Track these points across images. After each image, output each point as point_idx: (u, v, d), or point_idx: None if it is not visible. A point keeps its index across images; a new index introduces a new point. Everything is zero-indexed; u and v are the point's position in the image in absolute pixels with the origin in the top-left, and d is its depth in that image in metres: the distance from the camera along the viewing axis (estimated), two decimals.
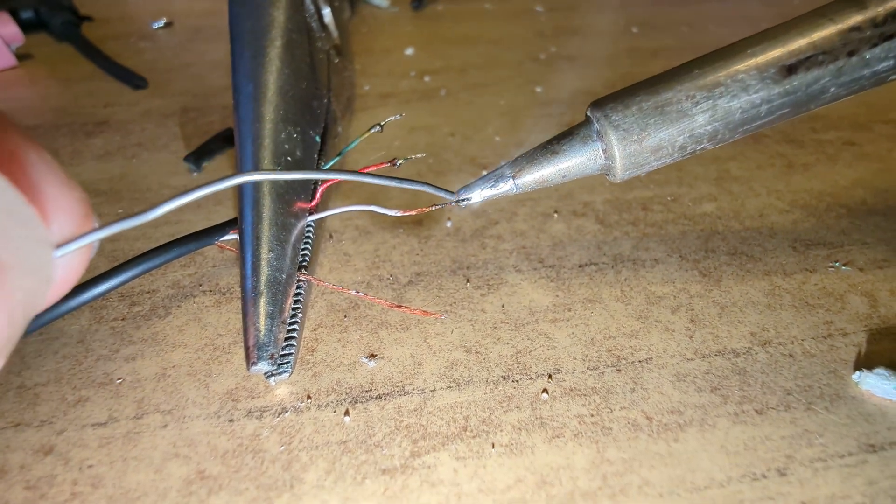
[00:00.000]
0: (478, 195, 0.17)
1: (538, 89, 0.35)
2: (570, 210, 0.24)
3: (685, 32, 0.44)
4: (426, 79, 0.36)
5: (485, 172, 0.17)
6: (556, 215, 0.24)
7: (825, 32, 0.15)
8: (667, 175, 0.27)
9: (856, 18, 0.15)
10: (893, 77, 0.16)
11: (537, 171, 0.17)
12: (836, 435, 0.15)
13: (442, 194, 0.17)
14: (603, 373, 0.17)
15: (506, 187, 0.17)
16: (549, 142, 0.17)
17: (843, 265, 0.21)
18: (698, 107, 0.16)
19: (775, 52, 0.15)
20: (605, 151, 0.16)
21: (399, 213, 0.18)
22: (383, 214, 0.19)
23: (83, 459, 0.15)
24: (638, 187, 0.26)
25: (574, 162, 0.17)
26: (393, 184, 0.15)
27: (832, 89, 0.16)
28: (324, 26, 0.29)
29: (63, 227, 0.09)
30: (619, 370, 0.17)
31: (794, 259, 0.21)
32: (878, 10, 0.15)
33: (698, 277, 0.21)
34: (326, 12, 0.29)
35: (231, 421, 0.16)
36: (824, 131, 0.30)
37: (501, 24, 0.46)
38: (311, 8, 0.27)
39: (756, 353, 0.18)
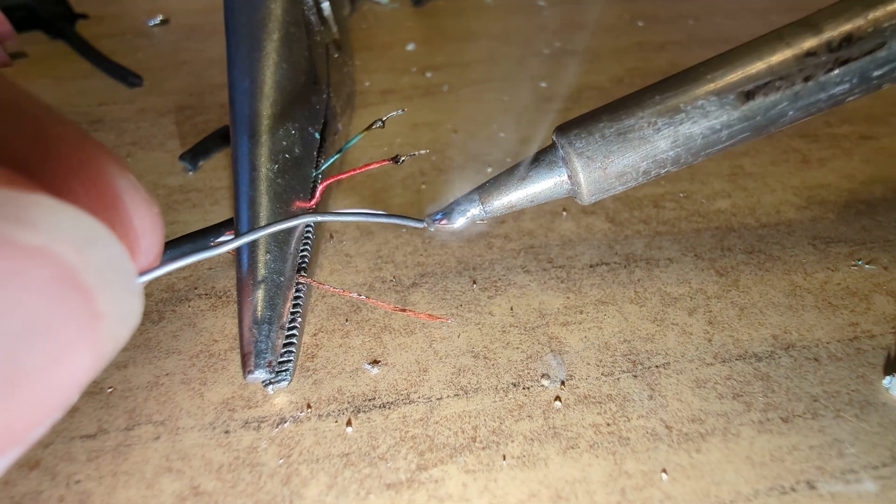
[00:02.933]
0: (448, 223, 0.17)
1: (542, 84, 0.34)
2: (578, 208, 0.23)
3: (691, 26, 0.43)
4: (428, 75, 0.35)
5: (452, 199, 0.18)
6: (564, 213, 0.23)
7: (782, 57, 0.15)
8: (678, 171, 0.26)
9: (811, 42, 0.15)
10: (850, 98, 0.16)
11: (505, 196, 0.17)
12: (868, 444, 0.14)
13: (412, 224, 0.17)
14: (618, 379, 0.16)
15: (474, 213, 0.17)
16: (516, 167, 0.17)
17: (867, 264, 0.20)
18: (660, 133, 0.16)
19: (734, 77, 0.15)
20: (570, 177, 0.16)
21: (415, 226, 0.17)
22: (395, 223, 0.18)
23: (71, 474, 0.14)
24: (649, 184, 0.25)
25: (541, 187, 0.17)
26: (359, 219, 0.15)
27: (790, 113, 0.16)
28: (323, 20, 0.28)
29: (148, 250, 0.10)
30: (636, 376, 0.16)
31: (814, 257, 0.21)
32: (833, 34, 0.15)
33: (715, 277, 0.20)
34: (325, 6, 0.28)
35: (227, 432, 0.15)
36: (839, 125, 0.29)
37: (503, 19, 0.46)
38: (310, 1, 0.26)
39: (779, 358, 0.17)
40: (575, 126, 0.16)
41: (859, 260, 0.20)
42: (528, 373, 0.17)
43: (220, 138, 0.28)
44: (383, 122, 0.20)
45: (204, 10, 0.48)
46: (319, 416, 0.15)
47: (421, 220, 0.17)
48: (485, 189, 0.17)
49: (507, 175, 0.17)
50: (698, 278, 0.20)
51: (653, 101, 0.16)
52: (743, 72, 0.15)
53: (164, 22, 0.45)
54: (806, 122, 0.30)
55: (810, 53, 0.15)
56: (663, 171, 0.16)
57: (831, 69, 0.15)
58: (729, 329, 0.18)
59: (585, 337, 0.18)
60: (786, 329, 0.18)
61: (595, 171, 0.16)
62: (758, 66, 0.15)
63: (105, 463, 0.14)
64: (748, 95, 0.15)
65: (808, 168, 0.26)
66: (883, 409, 0.15)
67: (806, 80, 0.15)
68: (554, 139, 0.17)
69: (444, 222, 0.17)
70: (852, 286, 0.19)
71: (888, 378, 0.16)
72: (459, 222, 0.17)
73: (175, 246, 0.18)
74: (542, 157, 0.17)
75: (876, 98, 0.32)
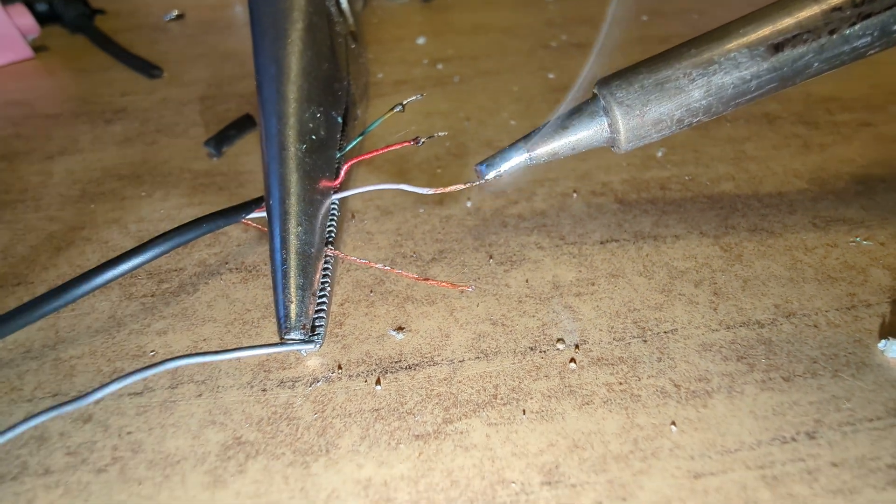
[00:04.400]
0: (495, 170, 0.18)
1: (551, 76, 0.35)
2: (588, 190, 0.24)
3: (695, 20, 0.44)
4: (439, 66, 0.37)
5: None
6: (575, 195, 0.24)
7: (810, 12, 0.16)
8: (683, 156, 0.27)
9: None
10: (871, 52, 0.17)
11: (549, 144, 0.18)
12: (864, 400, 0.16)
13: (419, 191, 0.18)
14: (629, 343, 0.17)
15: (521, 159, 0.18)
16: (560, 117, 0.18)
17: (864, 240, 0.21)
18: (694, 83, 0.17)
19: (764, 32, 0.17)
20: (610, 126, 0.18)
21: (431, 192, 0.19)
22: (412, 192, 0.19)
23: (122, 426, 0.15)
24: (655, 167, 0.26)
25: (582, 135, 0.18)
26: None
27: (815, 64, 0.17)
28: (341, 11, 0.29)
29: None
30: (645, 341, 0.17)
31: (814, 234, 0.22)
32: None
33: (720, 252, 0.21)
34: None
35: (264, 390, 0.16)
36: (839, 112, 0.30)
37: (510, 13, 0.47)
38: None
39: (780, 324, 0.18)
40: (615, 78, 0.18)
41: (857, 237, 0.21)
42: (544, 338, 0.18)
43: (241, 125, 0.29)
44: (403, 106, 0.21)
45: (218, 5, 0.49)
46: (350, 376, 0.17)
47: (429, 188, 0.19)
48: (530, 138, 0.18)
49: (551, 124, 0.18)
50: (704, 253, 0.21)
51: (689, 54, 0.17)
52: (772, 26, 0.16)
53: (179, 17, 0.46)
54: (807, 109, 0.31)
55: (836, 8, 0.16)
56: (695, 121, 0.18)
57: (854, 23, 0.16)
58: (733, 299, 0.19)
59: (597, 306, 0.19)
60: (787, 299, 0.19)
61: (633, 119, 0.17)
62: (786, 21, 0.16)
63: (153, 416, 0.15)
64: (777, 48, 0.16)
65: (809, 153, 0.27)
66: (878, 369, 0.16)
67: (831, 33, 0.16)
68: (595, 90, 0.18)
69: (492, 169, 0.18)
70: (850, 260, 0.20)
71: (884, 341, 0.17)
72: (506, 167, 0.18)
73: (210, 220, 0.19)
74: (584, 107, 0.18)
75: (875, 87, 0.33)
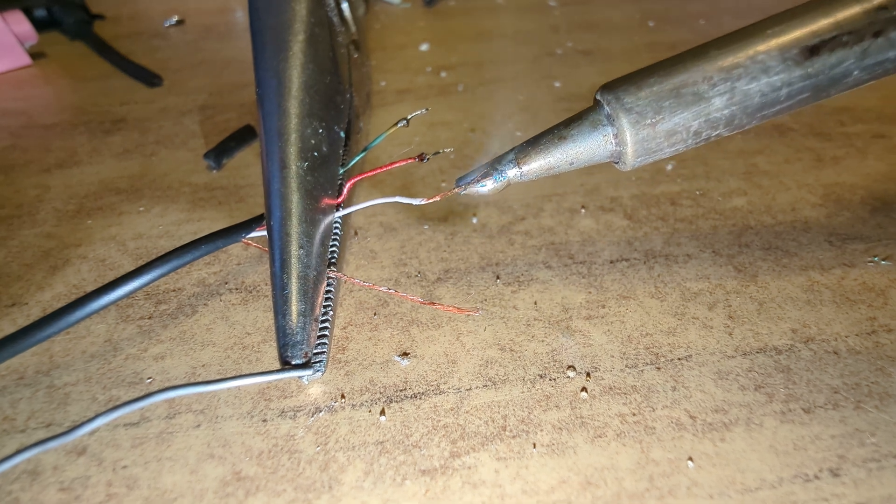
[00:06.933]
0: (479, 186, 0.16)
1: (557, 84, 0.35)
2: (597, 205, 0.24)
3: (702, 26, 0.43)
4: (443, 74, 0.36)
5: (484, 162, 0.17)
6: (583, 210, 0.24)
7: (850, 12, 0.14)
8: (693, 170, 0.26)
9: None
10: None
11: (543, 157, 0.16)
12: (889, 434, 0.15)
13: (412, 202, 0.18)
14: (642, 371, 0.17)
15: (510, 174, 0.16)
16: (557, 126, 0.16)
17: (883, 260, 0.20)
18: (715, 89, 0.15)
19: (797, 33, 0.14)
20: (615, 136, 0.15)
21: (423, 202, 0.18)
22: (409, 204, 0.19)
23: (117, 460, 0.15)
24: (665, 182, 0.25)
25: (582, 148, 0.16)
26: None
27: (855, 73, 0.15)
28: (343, 20, 0.28)
29: None
30: (659, 368, 0.17)
31: (830, 254, 0.21)
32: None
33: (733, 273, 0.20)
34: (345, 6, 0.29)
35: (264, 421, 0.16)
36: (852, 124, 0.30)
37: (515, 19, 0.46)
38: (332, 1, 0.27)
39: (799, 351, 0.17)
40: (623, 82, 0.15)
41: (875, 256, 0.21)
42: (554, 365, 0.17)
43: (241, 137, 0.28)
44: (408, 120, 0.20)
45: (218, 10, 0.48)
46: (353, 405, 0.16)
47: (421, 199, 0.17)
48: (522, 149, 0.16)
49: (546, 134, 0.16)
50: (717, 274, 0.20)
51: (709, 57, 0.15)
52: (807, 27, 0.14)
53: (179, 22, 0.45)
54: (819, 120, 0.30)
55: (882, 7, 0.14)
56: (714, 134, 0.15)
57: None
58: (749, 323, 0.18)
59: (608, 330, 0.18)
60: (805, 323, 0.18)
61: (644, 129, 0.15)
62: (823, 21, 0.14)
63: (149, 449, 0.15)
64: (812, 51, 0.14)
65: (822, 166, 0.26)
66: None
67: (876, 35, 0.14)
68: (598, 97, 0.16)
69: (477, 184, 0.16)
70: (869, 282, 0.20)
71: None
72: (492, 185, 0.16)
73: (209, 241, 0.18)
74: (586, 116, 0.16)
75: (887, 98, 0.32)
